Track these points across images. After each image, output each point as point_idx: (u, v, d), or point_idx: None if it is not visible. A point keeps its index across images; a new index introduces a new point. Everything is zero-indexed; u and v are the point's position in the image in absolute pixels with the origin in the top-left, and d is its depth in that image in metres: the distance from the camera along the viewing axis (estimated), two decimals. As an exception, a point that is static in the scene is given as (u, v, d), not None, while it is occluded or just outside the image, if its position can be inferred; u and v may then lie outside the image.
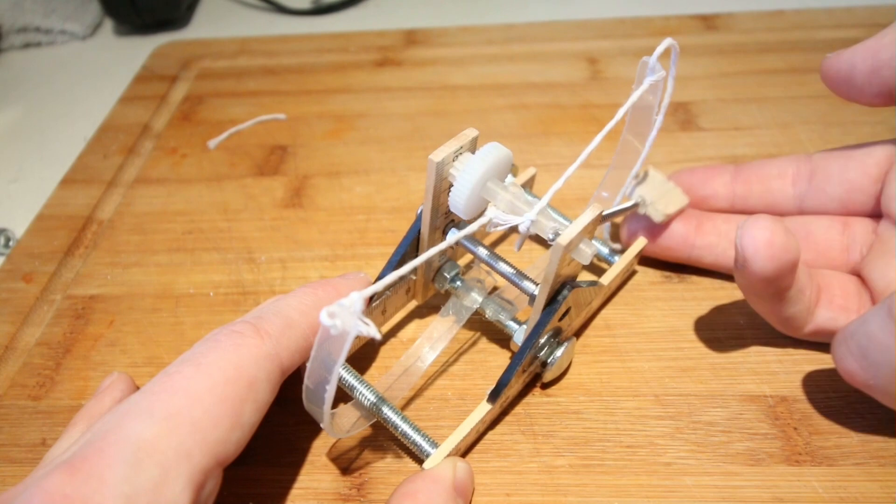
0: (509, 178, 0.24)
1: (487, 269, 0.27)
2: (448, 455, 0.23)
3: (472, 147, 0.24)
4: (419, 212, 0.26)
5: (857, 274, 0.27)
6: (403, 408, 0.27)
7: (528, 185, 0.33)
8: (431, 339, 0.27)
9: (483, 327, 0.29)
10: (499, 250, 0.32)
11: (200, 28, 0.57)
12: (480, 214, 0.23)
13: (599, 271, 0.31)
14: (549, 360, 0.25)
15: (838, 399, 0.26)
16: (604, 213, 0.25)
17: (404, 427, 0.24)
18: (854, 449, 0.24)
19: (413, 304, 0.30)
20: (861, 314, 0.23)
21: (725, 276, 0.30)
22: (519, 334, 0.26)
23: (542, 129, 0.40)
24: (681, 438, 0.25)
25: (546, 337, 0.25)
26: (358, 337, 0.17)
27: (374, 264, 0.33)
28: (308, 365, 0.20)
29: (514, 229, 0.23)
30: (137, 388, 0.26)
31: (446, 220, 0.26)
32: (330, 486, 0.25)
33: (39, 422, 0.27)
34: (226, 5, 0.60)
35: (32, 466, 0.26)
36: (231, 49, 0.50)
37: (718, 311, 0.29)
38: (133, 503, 0.17)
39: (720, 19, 0.48)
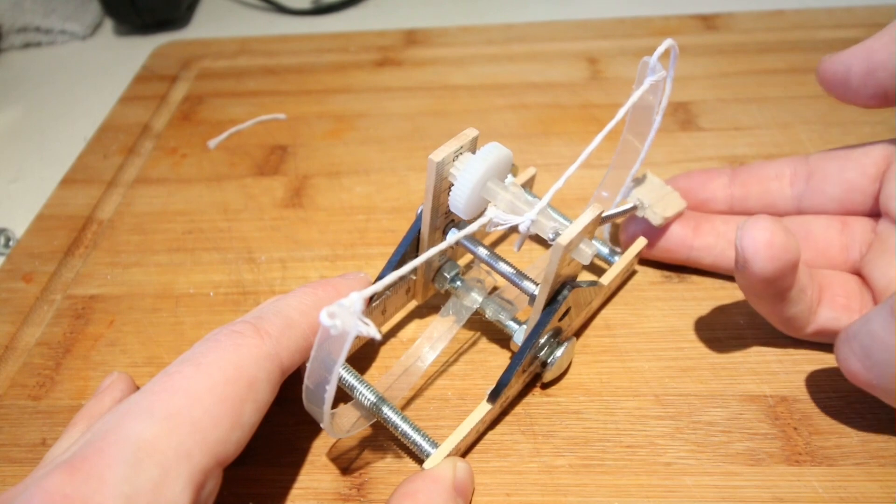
0: (509, 178, 0.24)
1: (487, 269, 0.27)
2: (448, 455, 0.23)
3: (473, 147, 0.24)
4: (419, 212, 0.26)
5: (857, 273, 0.27)
6: (403, 408, 0.27)
7: (528, 185, 0.33)
8: (431, 339, 0.27)
9: (483, 327, 0.29)
10: (499, 250, 0.32)
11: (200, 28, 0.57)
12: (480, 214, 0.23)
13: (599, 271, 0.31)
14: (549, 360, 0.25)
15: (838, 399, 0.26)
16: (603, 215, 0.25)
17: (404, 427, 0.24)
18: (854, 449, 0.24)
19: (413, 304, 0.30)
20: (863, 314, 0.23)
21: (725, 276, 0.30)
22: (519, 334, 0.26)
23: (542, 129, 0.40)
24: (681, 438, 0.25)
25: (546, 337, 0.25)
26: (358, 337, 0.17)
27: (374, 264, 0.33)
28: (308, 365, 0.20)
29: (514, 229, 0.23)
30: (137, 388, 0.26)
31: (446, 220, 0.26)
32: (330, 486, 0.25)
33: (39, 422, 0.27)
34: (226, 5, 0.60)
35: (32, 466, 0.26)
36: (231, 49, 0.50)
37: (718, 311, 0.29)
38: (133, 503, 0.17)
39: (720, 19, 0.48)
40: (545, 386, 0.27)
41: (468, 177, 0.23)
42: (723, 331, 0.29)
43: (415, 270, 0.28)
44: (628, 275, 0.31)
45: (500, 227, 0.23)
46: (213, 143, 0.41)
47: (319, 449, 0.26)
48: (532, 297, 0.25)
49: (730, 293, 0.30)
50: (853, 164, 0.28)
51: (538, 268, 0.29)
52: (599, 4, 0.53)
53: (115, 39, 0.56)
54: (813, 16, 0.48)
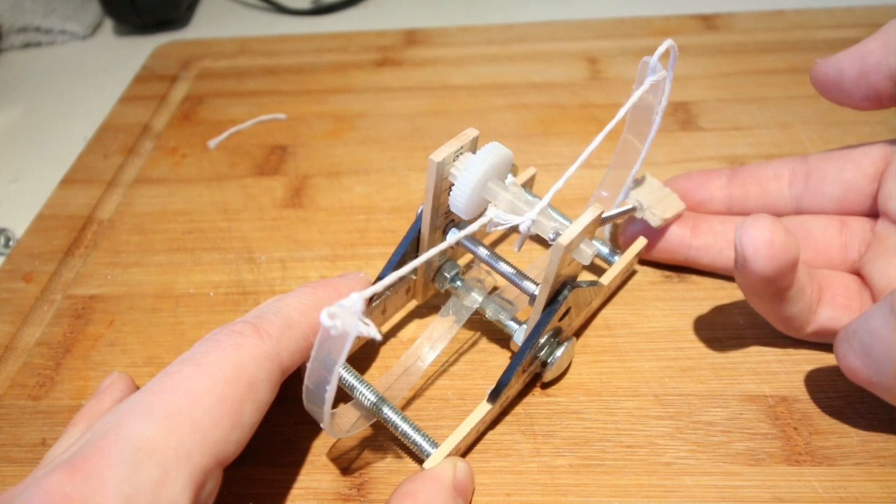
0: (510, 178, 0.24)
1: (487, 269, 0.27)
2: (448, 455, 0.23)
3: (473, 147, 0.24)
4: (419, 212, 0.26)
5: (856, 273, 0.27)
6: (403, 408, 0.27)
7: (528, 185, 0.33)
8: (431, 339, 0.27)
9: (483, 327, 0.29)
10: (499, 250, 0.32)
11: (200, 28, 0.57)
12: (481, 214, 0.23)
13: (599, 271, 0.31)
14: (549, 360, 0.25)
15: (838, 399, 0.26)
16: (603, 216, 0.25)
17: (404, 427, 0.24)
18: (854, 449, 0.24)
19: (413, 304, 0.30)
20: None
21: (725, 276, 0.30)
22: (519, 334, 0.26)
23: (542, 129, 0.40)
24: (681, 438, 0.25)
25: (546, 337, 0.25)
26: (358, 337, 0.17)
27: (374, 264, 0.33)
28: (308, 365, 0.20)
29: (514, 229, 0.23)
30: (137, 387, 0.26)
31: (446, 220, 0.26)
32: (330, 486, 0.25)
33: (39, 422, 0.27)
34: (226, 5, 0.60)
35: (32, 466, 0.26)
36: (231, 49, 0.50)
37: (718, 311, 0.29)
38: (133, 503, 0.17)
39: (720, 19, 0.48)
40: (545, 386, 0.27)
41: (468, 177, 0.23)
42: (723, 331, 0.29)
43: (415, 270, 0.28)
44: (628, 275, 0.31)
45: (500, 227, 0.23)
46: (213, 143, 0.41)
47: (319, 449, 0.26)
48: (532, 297, 0.25)
49: (730, 293, 0.30)
50: (852, 164, 0.28)
51: (538, 268, 0.29)
52: (599, 4, 0.53)
53: (115, 39, 0.56)
54: (813, 16, 0.48)
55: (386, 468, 0.25)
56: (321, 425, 0.22)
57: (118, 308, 0.32)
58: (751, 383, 0.27)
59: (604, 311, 0.30)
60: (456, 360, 0.28)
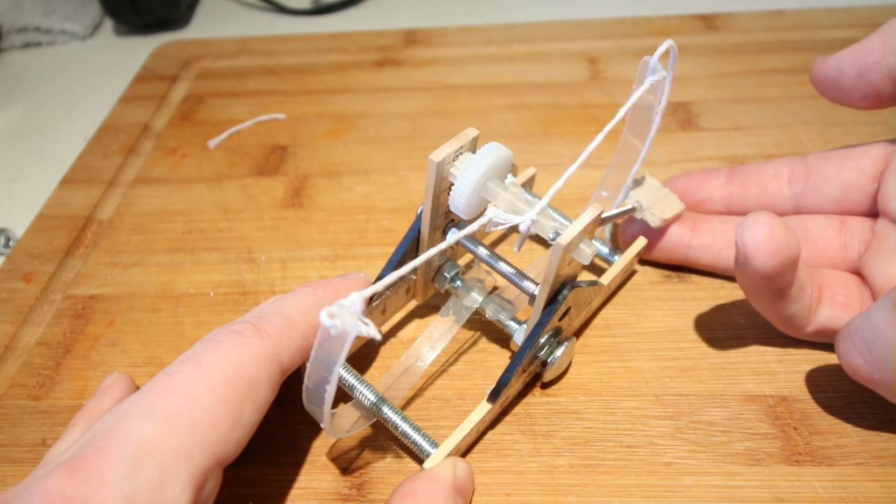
0: (509, 177, 0.24)
1: (487, 268, 0.27)
2: (448, 455, 0.23)
3: (473, 147, 0.24)
4: (419, 212, 0.26)
5: (856, 272, 0.27)
6: (403, 408, 0.27)
7: (528, 185, 0.33)
8: (431, 338, 0.27)
9: (483, 327, 0.29)
10: (499, 250, 0.32)
11: (200, 28, 0.57)
12: (480, 214, 0.23)
13: (599, 271, 0.31)
14: (549, 360, 0.25)
15: (838, 399, 0.26)
16: (603, 216, 0.25)
17: (404, 427, 0.24)
18: (854, 449, 0.24)
19: (413, 304, 0.30)
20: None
21: (725, 276, 0.31)
22: (519, 334, 0.26)
23: (542, 129, 0.40)
24: (681, 438, 0.25)
25: (546, 337, 0.25)
26: (358, 337, 0.17)
27: (374, 264, 0.33)
28: (308, 365, 0.20)
29: (514, 229, 0.23)
30: (137, 387, 0.26)
31: (446, 219, 0.26)
32: (330, 486, 0.25)
33: (39, 422, 0.27)
34: (226, 5, 0.60)
35: (32, 466, 0.26)
36: (231, 49, 0.50)
37: (718, 311, 0.29)
38: (133, 503, 0.17)
39: (720, 19, 0.48)
40: (545, 386, 0.27)
41: (468, 177, 0.23)
42: (723, 331, 0.29)
43: (415, 270, 0.28)
44: (628, 275, 0.31)
45: (500, 227, 0.23)
46: (213, 143, 0.41)
47: (319, 449, 0.26)
48: (532, 297, 0.25)
49: (729, 293, 0.30)
50: (851, 163, 0.28)
51: (538, 268, 0.29)
52: (599, 4, 0.53)
53: (115, 39, 0.56)
54: (813, 16, 0.48)
55: (386, 468, 0.25)
56: (321, 425, 0.22)
57: (118, 308, 0.32)
58: (751, 383, 0.27)
59: (604, 311, 0.30)
60: (456, 360, 0.28)
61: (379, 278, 0.24)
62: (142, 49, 0.52)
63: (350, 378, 0.24)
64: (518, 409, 0.27)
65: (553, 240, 0.22)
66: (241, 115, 0.44)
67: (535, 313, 0.25)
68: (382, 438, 0.26)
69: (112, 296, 0.33)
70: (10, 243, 0.37)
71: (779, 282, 0.23)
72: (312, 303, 0.23)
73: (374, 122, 0.42)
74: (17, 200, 0.41)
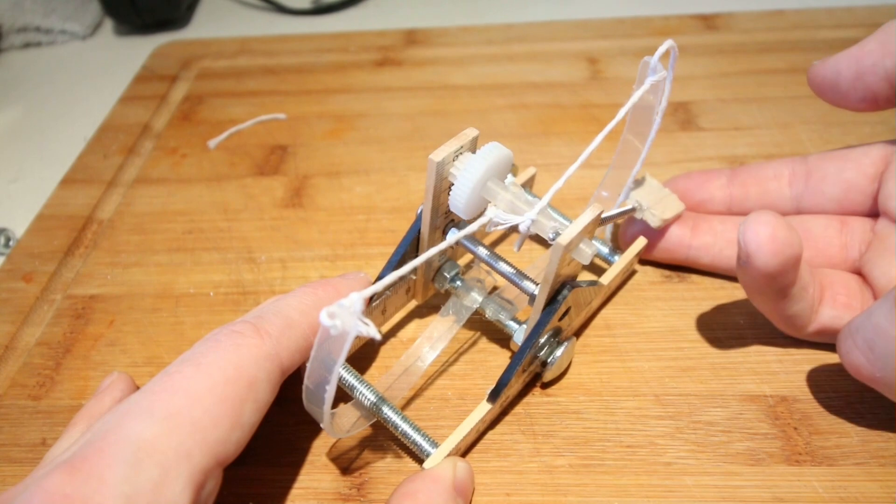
0: (509, 177, 0.24)
1: (487, 268, 0.27)
2: (448, 455, 0.23)
3: (473, 147, 0.24)
4: (419, 212, 0.26)
5: (856, 272, 0.27)
6: (403, 408, 0.27)
7: (528, 185, 0.33)
8: (431, 338, 0.27)
9: (483, 327, 0.29)
10: (499, 250, 0.32)
11: (200, 28, 0.57)
12: (480, 214, 0.23)
13: (599, 271, 0.31)
14: (549, 360, 0.25)
15: (838, 399, 0.26)
16: (603, 216, 0.25)
17: (404, 427, 0.24)
18: (854, 449, 0.24)
19: (413, 304, 0.30)
20: None
21: (725, 276, 0.30)
22: (519, 334, 0.26)
23: (542, 129, 0.40)
24: (681, 438, 0.25)
25: (546, 337, 0.25)
26: (358, 337, 0.17)
27: (374, 264, 0.33)
28: (308, 365, 0.20)
29: (514, 229, 0.23)
30: (137, 387, 0.26)
31: (446, 219, 0.26)
32: (330, 486, 0.25)
33: (39, 422, 0.27)
34: (226, 5, 0.60)
35: (32, 466, 0.26)
36: (231, 49, 0.50)
37: (718, 310, 0.29)
38: (133, 503, 0.17)
39: (720, 19, 0.48)
40: (545, 386, 0.27)
41: (468, 176, 0.23)
42: (723, 331, 0.29)
43: (415, 270, 0.28)
44: (628, 275, 0.31)
45: (500, 227, 0.23)
46: (213, 143, 0.41)
47: (319, 449, 0.26)
48: (532, 297, 0.25)
49: (730, 293, 0.30)
50: (852, 164, 0.28)
51: (538, 268, 0.29)
52: (599, 4, 0.53)
53: (115, 39, 0.56)
54: (813, 16, 0.48)
55: (386, 468, 0.25)
56: (321, 425, 0.22)
57: (118, 308, 0.32)
58: (751, 383, 0.27)
59: (604, 311, 0.30)
60: (456, 360, 0.28)
61: (379, 278, 0.24)
62: (142, 49, 0.52)
63: (350, 378, 0.24)
64: (518, 409, 0.27)
65: (553, 240, 0.22)
66: (241, 115, 0.44)
67: (535, 313, 0.25)
68: (382, 438, 0.26)
69: (112, 296, 0.33)
70: (10, 243, 0.37)
71: (781, 281, 0.23)
72: (312, 303, 0.23)
73: (374, 122, 0.42)
74: (17, 200, 0.41)
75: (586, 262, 0.23)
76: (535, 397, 0.27)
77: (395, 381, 0.26)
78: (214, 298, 0.32)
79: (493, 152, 0.23)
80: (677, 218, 0.30)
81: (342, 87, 0.45)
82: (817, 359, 0.27)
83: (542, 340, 0.25)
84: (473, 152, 0.24)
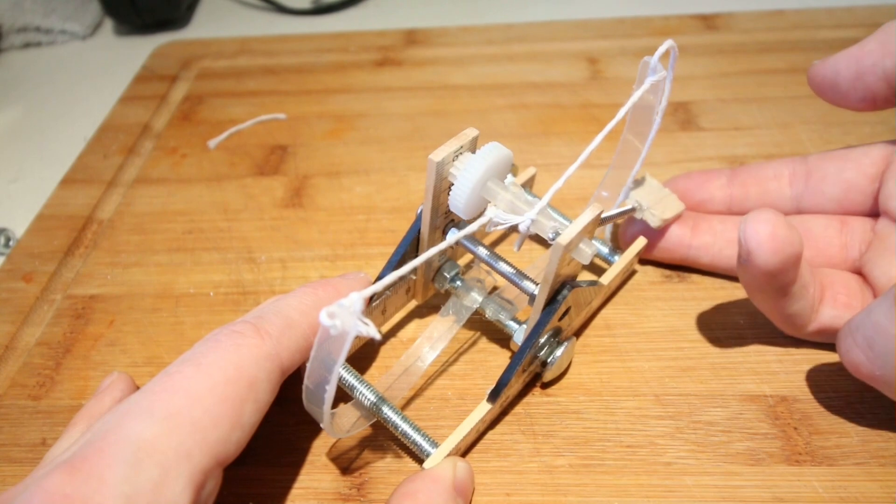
0: (509, 177, 0.24)
1: (487, 268, 0.27)
2: (448, 455, 0.23)
3: (472, 147, 0.24)
4: (419, 212, 0.26)
5: (857, 272, 0.27)
6: (403, 408, 0.27)
7: (528, 185, 0.33)
8: (431, 338, 0.27)
9: (483, 327, 0.29)
10: (499, 250, 0.32)
11: (200, 28, 0.57)
12: (480, 214, 0.23)
13: (599, 271, 0.31)
14: (549, 360, 0.25)
15: (838, 399, 0.26)
16: (602, 216, 0.25)
17: (404, 427, 0.24)
18: (854, 449, 0.24)
19: (413, 304, 0.30)
20: None
21: (725, 275, 0.30)
22: (519, 334, 0.26)
23: (542, 129, 0.40)
24: (681, 438, 0.25)
25: (546, 336, 0.25)
26: (358, 337, 0.17)
27: (374, 264, 0.33)
28: (308, 365, 0.20)
29: (514, 229, 0.23)
30: (137, 387, 0.26)
31: (446, 219, 0.26)
32: (330, 486, 0.25)
33: (39, 422, 0.27)
34: (226, 5, 0.60)
35: (32, 466, 0.26)
36: (231, 49, 0.50)
37: (718, 310, 0.29)
38: (133, 503, 0.17)
39: (720, 19, 0.48)
40: (545, 386, 0.27)
41: (468, 176, 0.23)
42: (723, 331, 0.29)
43: (415, 270, 0.28)
44: (628, 275, 0.31)
45: (500, 227, 0.23)
46: (213, 143, 0.41)
47: (319, 449, 0.26)
48: (532, 297, 0.25)
49: (729, 293, 0.30)
50: (852, 164, 0.28)
51: (538, 268, 0.29)
52: (599, 4, 0.53)
53: (115, 39, 0.56)
54: (813, 16, 0.48)
55: (386, 468, 0.25)
56: (321, 425, 0.22)
57: (118, 308, 0.32)
58: (751, 383, 0.27)
59: (604, 311, 0.30)
60: (456, 360, 0.28)
61: (379, 278, 0.24)
62: (142, 49, 0.52)
63: (350, 378, 0.24)
64: (518, 409, 0.27)
65: (553, 240, 0.22)
66: (241, 115, 0.44)
67: (534, 313, 0.25)
68: (382, 438, 0.26)
69: (112, 296, 0.33)
70: (10, 243, 0.37)
71: (781, 279, 0.23)
72: (312, 303, 0.23)
73: (374, 122, 0.42)
74: (17, 200, 0.41)
75: (586, 262, 0.23)
76: (535, 397, 0.27)
77: (395, 381, 0.26)
78: (214, 298, 0.32)
79: (493, 152, 0.23)
80: (677, 218, 0.30)
81: (342, 87, 0.45)
82: (817, 359, 0.27)
83: (542, 340, 0.25)
84: (473, 152, 0.24)
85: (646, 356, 0.28)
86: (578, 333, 0.29)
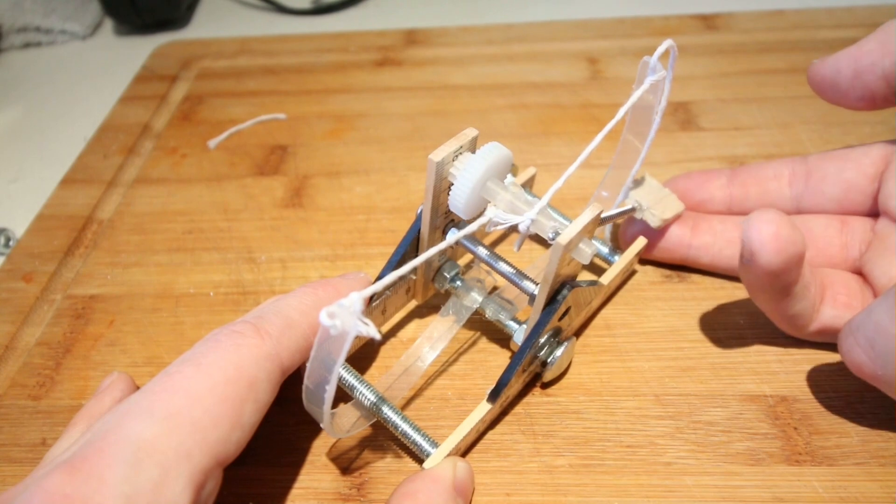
0: (509, 177, 0.24)
1: (487, 268, 0.27)
2: (448, 455, 0.23)
3: (472, 147, 0.24)
4: (419, 212, 0.26)
5: (857, 272, 0.27)
6: (403, 408, 0.27)
7: (528, 185, 0.33)
8: (431, 338, 0.27)
9: (483, 327, 0.29)
10: (499, 250, 0.32)
11: (200, 28, 0.57)
12: (480, 214, 0.23)
13: (599, 271, 0.31)
14: (549, 360, 0.25)
15: (838, 399, 0.26)
16: (602, 216, 0.25)
17: (404, 427, 0.24)
18: (854, 449, 0.24)
19: (413, 304, 0.30)
20: None
21: (725, 275, 0.30)
22: (519, 334, 0.26)
23: (542, 129, 0.40)
24: (681, 438, 0.25)
25: (546, 336, 0.25)
26: (358, 337, 0.17)
27: (374, 264, 0.33)
28: (308, 365, 0.20)
29: (514, 229, 0.23)
30: (137, 387, 0.26)
31: (446, 219, 0.26)
32: (330, 486, 0.25)
33: (39, 422, 0.27)
34: (226, 5, 0.60)
35: (32, 466, 0.26)
36: (231, 49, 0.50)
37: (718, 310, 0.29)
38: (133, 503, 0.17)
39: (720, 19, 0.48)
40: (545, 386, 0.27)
41: (468, 176, 0.23)
42: (723, 331, 0.29)
43: (415, 270, 0.28)
44: (628, 275, 0.31)
45: (500, 227, 0.23)
46: (213, 143, 0.41)
47: (319, 449, 0.26)
48: (532, 297, 0.25)
49: (730, 293, 0.30)
50: (852, 164, 0.28)
51: (538, 268, 0.29)
52: (599, 4, 0.53)
53: (115, 39, 0.56)
54: (813, 16, 0.48)
55: (386, 468, 0.25)
56: (321, 425, 0.22)
57: (118, 308, 0.32)
58: (751, 383, 0.27)
59: (604, 311, 0.30)
60: (456, 360, 0.28)
61: (379, 278, 0.24)
62: (142, 49, 0.52)
63: (350, 378, 0.24)
64: (518, 409, 0.27)
65: (553, 239, 0.22)
66: (241, 115, 0.44)
67: (534, 313, 0.25)
68: (382, 438, 0.26)
69: (112, 296, 0.33)
70: (10, 243, 0.37)
71: (784, 279, 0.23)
72: (312, 303, 0.23)
73: (374, 122, 0.42)
74: (17, 200, 0.41)
75: (586, 262, 0.23)
76: (535, 397, 0.27)
77: (395, 381, 0.26)
78: (214, 298, 0.32)
79: (493, 152, 0.23)
80: (677, 218, 0.30)
81: (342, 87, 0.45)
82: (817, 359, 0.27)
83: (542, 340, 0.25)
84: (473, 152, 0.24)
85: (646, 356, 0.28)
86: (578, 333, 0.29)
